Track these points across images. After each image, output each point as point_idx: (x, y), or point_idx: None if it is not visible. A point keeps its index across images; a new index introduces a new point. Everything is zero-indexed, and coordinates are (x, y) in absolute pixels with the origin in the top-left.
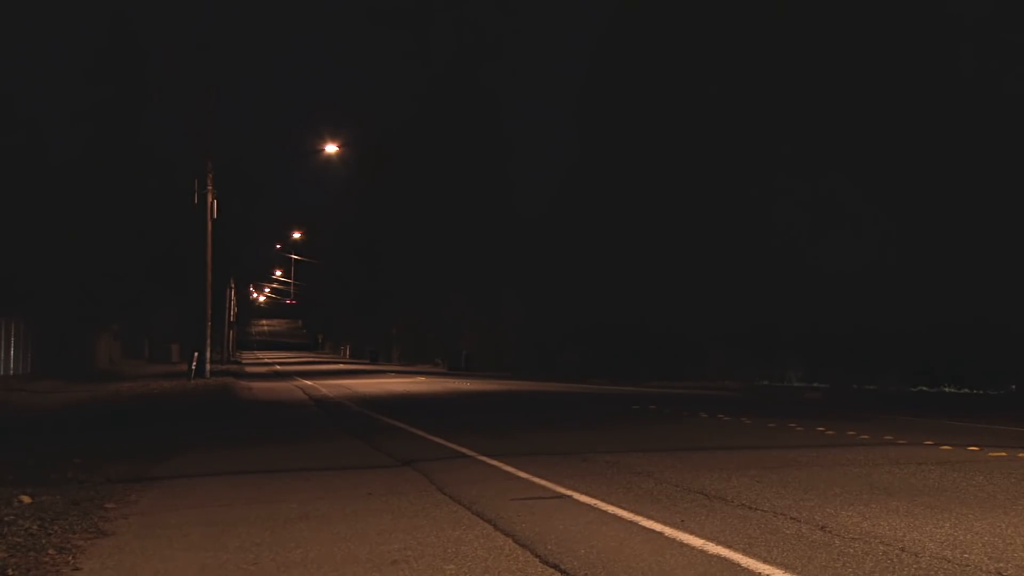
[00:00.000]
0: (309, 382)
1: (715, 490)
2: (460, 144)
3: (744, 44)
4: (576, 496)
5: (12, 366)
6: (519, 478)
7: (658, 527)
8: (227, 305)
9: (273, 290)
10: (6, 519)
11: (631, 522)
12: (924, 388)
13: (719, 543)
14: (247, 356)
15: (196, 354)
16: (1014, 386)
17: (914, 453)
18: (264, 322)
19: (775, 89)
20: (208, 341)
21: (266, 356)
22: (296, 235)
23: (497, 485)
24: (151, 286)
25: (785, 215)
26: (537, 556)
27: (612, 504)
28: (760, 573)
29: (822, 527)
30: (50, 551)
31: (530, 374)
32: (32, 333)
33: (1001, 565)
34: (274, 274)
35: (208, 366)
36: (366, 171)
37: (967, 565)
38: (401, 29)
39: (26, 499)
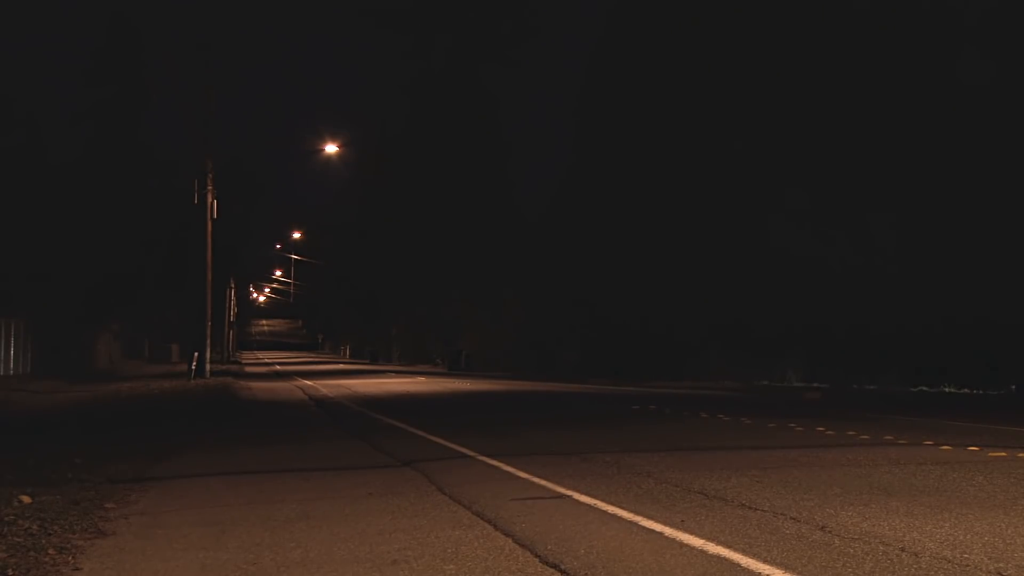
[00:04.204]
0: (309, 382)
1: (715, 490)
2: (460, 144)
3: (744, 44)
4: (576, 496)
5: (12, 366)
6: (519, 478)
7: (658, 527)
8: (227, 305)
9: (273, 290)
10: (6, 519)
11: (631, 522)
12: (924, 388)
13: (719, 543)
14: (247, 356)
15: (196, 354)
16: (1014, 386)
17: (914, 453)
18: (264, 322)
19: (774, 89)
20: (208, 341)
21: (266, 356)
22: (296, 235)
23: (497, 485)
24: (151, 286)
25: (785, 214)
26: (537, 556)
27: (612, 504)
28: (760, 573)
29: (822, 527)
30: (50, 551)
31: (530, 374)
32: (32, 333)
33: (1001, 565)
34: (274, 274)
35: (208, 366)
36: (366, 171)
37: (967, 565)
38: (401, 29)
39: (26, 499)
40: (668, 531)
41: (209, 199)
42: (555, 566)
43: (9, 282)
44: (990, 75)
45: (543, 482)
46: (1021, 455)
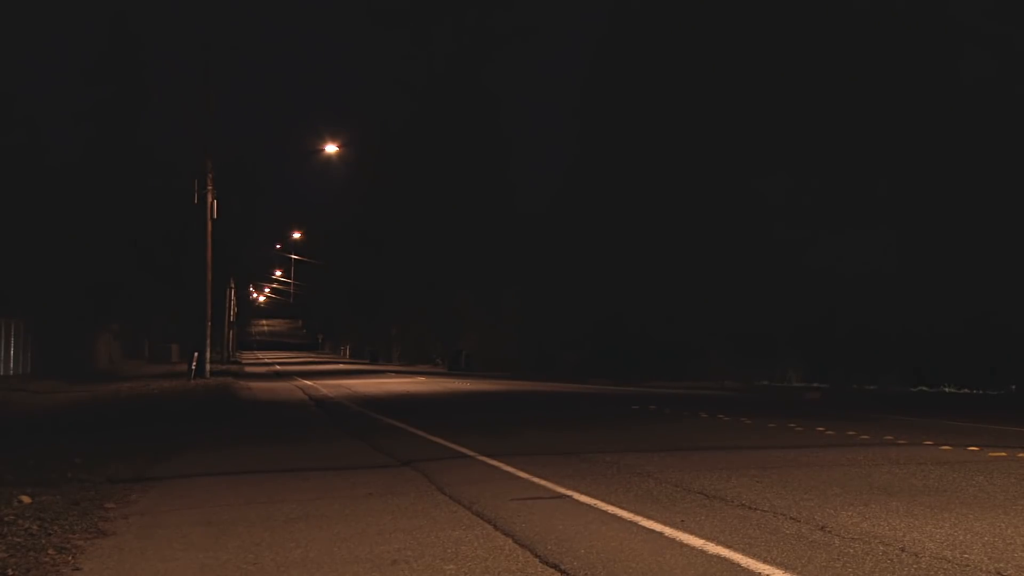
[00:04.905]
0: (309, 382)
1: (715, 490)
2: (460, 143)
3: (745, 43)
4: (576, 496)
5: (12, 366)
6: (519, 478)
7: (658, 527)
8: (227, 305)
9: (273, 290)
10: (6, 519)
11: (631, 522)
12: (924, 388)
13: (719, 543)
14: (247, 356)
15: (196, 354)
16: (1014, 386)
17: (914, 453)
18: (264, 322)
19: (776, 88)
20: (208, 341)
21: (266, 356)
22: (296, 235)
23: (497, 485)
24: (151, 286)
25: (786, 215)
26: (537, 556)
27: (612, 504)
28: (760, 573)
29: (822, 527)
30: (50, 551)
31: (530, 374)
32: (32, 333)
33: (1001, 565)
34: (274, 274)
35: (208, 366)
36: (366, 171)
37: (967, 565)
38: (401, 29)
39: (26, 499)
40: (668, 531)
41: (209, 199)
42: (555, 566)
43: (9, 282)
44: (992, 75)
45: (543, 482)
46: (1021, 455)
